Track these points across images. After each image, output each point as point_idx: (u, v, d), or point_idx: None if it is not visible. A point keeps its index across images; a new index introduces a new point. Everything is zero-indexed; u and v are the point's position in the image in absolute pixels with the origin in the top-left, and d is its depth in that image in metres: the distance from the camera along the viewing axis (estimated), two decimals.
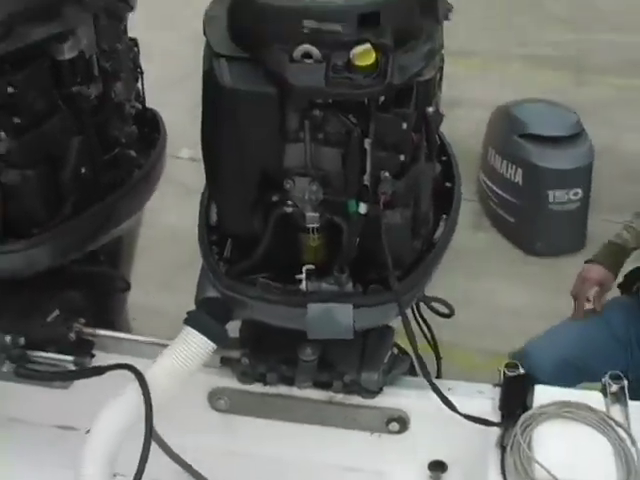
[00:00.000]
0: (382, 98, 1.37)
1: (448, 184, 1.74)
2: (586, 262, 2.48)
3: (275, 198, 1.46)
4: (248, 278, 1.52)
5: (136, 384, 1.47)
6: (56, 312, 1.71)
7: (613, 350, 2.36)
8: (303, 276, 1.47)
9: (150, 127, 2.03)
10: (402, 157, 1.41)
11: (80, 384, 1.77)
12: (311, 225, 1.46)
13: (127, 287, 1.94)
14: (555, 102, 4.10)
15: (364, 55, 1.31)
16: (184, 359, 1.49)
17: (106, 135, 1.82)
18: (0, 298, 1.74)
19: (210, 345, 1.50)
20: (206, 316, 1.50)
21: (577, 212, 3.92)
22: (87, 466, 1.46)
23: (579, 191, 3.86)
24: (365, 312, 1.48)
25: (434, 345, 1.78)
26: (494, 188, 4.08)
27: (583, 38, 5.64)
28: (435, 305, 1.74)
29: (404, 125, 1.38)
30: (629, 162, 4.40)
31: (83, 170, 1.73)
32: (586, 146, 3.86)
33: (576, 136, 3.86)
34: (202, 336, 1.48)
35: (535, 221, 3.97)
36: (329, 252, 1.49)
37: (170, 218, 3.64)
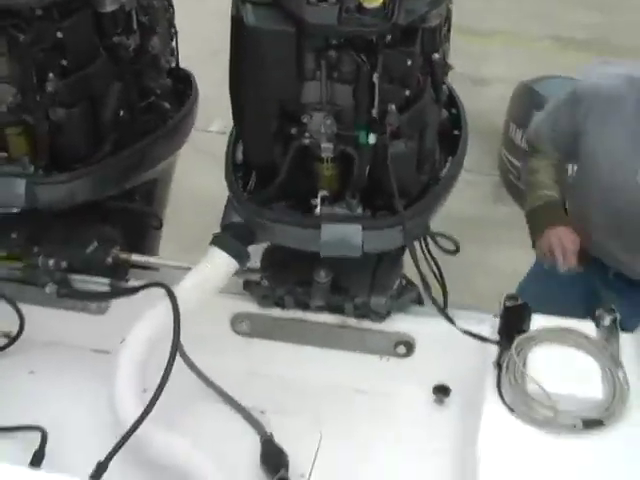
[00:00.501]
0: (389, 37, 1.52)
1: (456, 132, 1.88)
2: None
3: (294, 131, 1.61)
4: (269, 205, 1.67)
5: (166, 300, 1.62)
6: (94, 243, 1.87)
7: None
8: (318, 201, 1.62)
9: (183, 84, 2.19)
10: (407, 92, 1.56)
11: (114, 310, 1.93)
12: (326, 155, 1.61)
13: (160, 225, 2.09)
14: (575, 78, 4.18)
15: None
16: (210, 276, 1.64)
17: (142, 84, 1.98)
18: (43, 227, 1.90)
19: (234, 264, 1.65)
20: (230, 238, 1.65)
21: None
22: (120, 373, 1.61)
23: None
24: (373, 234, 1.63)
25: (441, 278, 1.90)
26: (515, 162, 4.18)
27: (609, 20, 5.72)
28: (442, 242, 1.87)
29: (409, 62, 1.53)
30: None
31: (122, 112, 1.88)
32: None
33: None
34: (227, 255, 1.63)
35: None
36: (342, 180, 1.64)
37: (198, 184, 3.80)
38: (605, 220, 2.20)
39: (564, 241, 2.20)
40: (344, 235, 1.60)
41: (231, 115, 1.73)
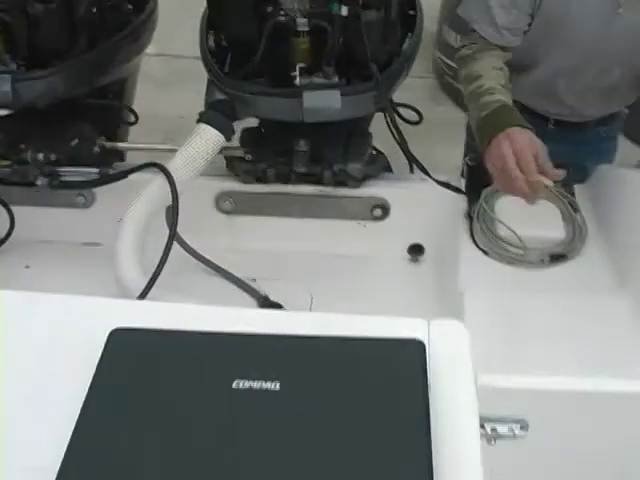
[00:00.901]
0: None
1: (412, 12, 2.01)
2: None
3: (269, 9, 1.72)
4: (250, 80, 1.79)
5: (161, 176, 1.72)
6: (80, 135, 1.95)
7: None
8: (297, 73, 1.74)
9: None
10: None
11: (100, 203, 2.02)
12: (301, 29, 1.72)
13: (136, 119, 2.18)
14: None
15: None
16: (200, 150, 1.74)
17: None
18: (27, 127, 1.98)
19: (221, 138, 1.76)
20: (216, 113, 1.76)
21: None
22: (122, 248, 1.71)
23: None
24: (350, 99, 1.75)
25: (405, 147, 2.04)
26: (450, 63, 4.35)
27: None
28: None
29: None
30: None
31: (94, 10, 1.95)
32: None
33: None
34: (214, 130, 1.74)
35: None
36: (317, 53, 1.75)
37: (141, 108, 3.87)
38: (562, 59, 2.02)
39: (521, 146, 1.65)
40: (324, 100, 1.73)
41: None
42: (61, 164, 1.95)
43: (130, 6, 2.17)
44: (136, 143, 2.08)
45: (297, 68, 1.74)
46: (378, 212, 1.96)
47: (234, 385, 0.77)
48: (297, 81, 1.75)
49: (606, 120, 2.31)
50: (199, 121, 1.77)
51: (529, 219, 1.82)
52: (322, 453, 0.75)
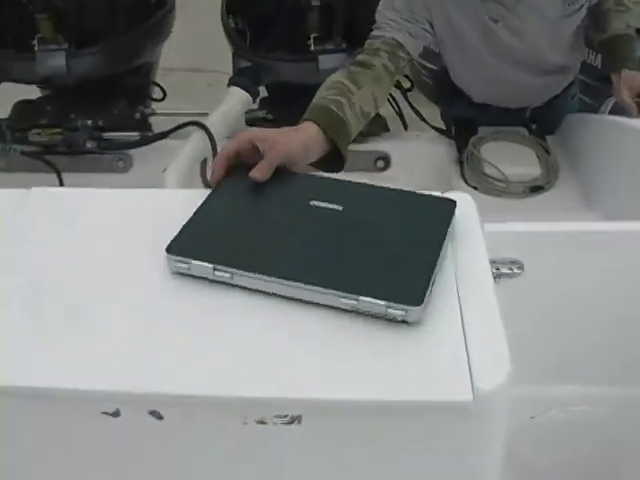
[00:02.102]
0: None
1: None
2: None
3: None
4: (271, 50, 2.12)
5: (199, 132, 2.02)
6: (118, 107, 2.26)
7: None
8: (311, 42, 2.07)
9: None
10: None
11: (137, 167, 2.31)
12: (314, 4, 2.05)
13: (164, 96, 2.49)
14: None
15: None
16: (232, 108, 2.06)
17: None
18: (73, 100, 2.28)
19: (249, 98, 2.08)
20: (244, 78, 2.09)
21: None
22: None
23: None
24: None
25: (399, 112, 2.38)
26: (425, 63, 4.68)
27: None
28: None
29: None
30: None
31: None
32: None
33: None
34: (243, 91, 2.07)
35: None
36: (328, 24, 2.09)
37: None
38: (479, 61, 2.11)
39: None
40: (336, 62, 2.05)
41: None
42: (106, 130, 2.24)
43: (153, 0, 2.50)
44: (172, 109, 2.38)
45: (311, 37, 2.07)
46: (381, 163, 2.29)
47: (311, 204, 1.06)
48: (312, 48, 2.08)
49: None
50: (229, 85, 2.09)
51: (510, 159, 2.15)
52: (358, 251, 1.02)
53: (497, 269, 1.33)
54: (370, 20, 2.05)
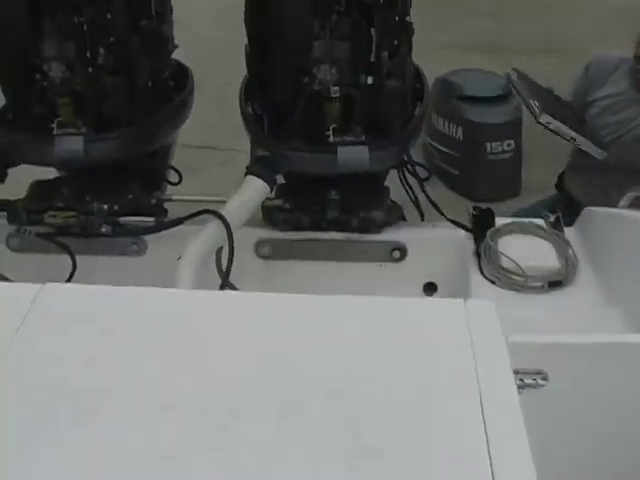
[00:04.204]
0: (381, 1, 2.00)
1: (419, 85, 2.37)
2: None
3: (306, 80, 2.06)
4: (289, 140, 2.12)
5: (215, 221, 2.01)
6: (138, 188, 2.26)
7: None
8: (330, 132, 2.07)
9: (179, 69, 2.61)
10: (395, 42, 2.03)
11: (151, 251, 2.30)
12: (334, 96, 2.06)
13: (180, 180, 2.49)
14: (484, 70, 4.79)
15: None
16: (249, 199, 2.06)
17: (158, 62, 2.39)
18: (89, 182, 2.29)
19: (266, 188, 2.07)
20: (262, 167, 2.08)
21: (512, 160, 4.59)
22: (182, 280, 1.97)
23: (512, 142, 4.53)
24: (376, 154, 2.09)
25: (416, 200, 2.37)
26: (438, 146, 4.73)
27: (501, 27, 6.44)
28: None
29: (397, 18, 2.00)
30: None
31: (149, 84, 2.29)
32: (514, 103, 4.51)
33: (505, 95, 4.53)
34: (260, 181, 2.06)
35: (476, 171, 4.63)
36: (348, 115, 2.09)
37: None
38: None
39: None
40: (355, 155, 2.05)
41: None
42: (121, 214, 2.24)
43: (172, 83, 2.51)
44: (191, 195, 2.37)
45: (330, 128, 2.07)
46: (397, 254, 2.27)
47: None
48: (331, 139, 2.07)
49: None
50: (247, 174, 2.09)
51: (528, 253, 2.13)
52: None
53: (521, 380, 1.29)
54: (391, 111, 2.06)
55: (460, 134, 4.57)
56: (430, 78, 4.97)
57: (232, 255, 1.93)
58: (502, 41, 6.32)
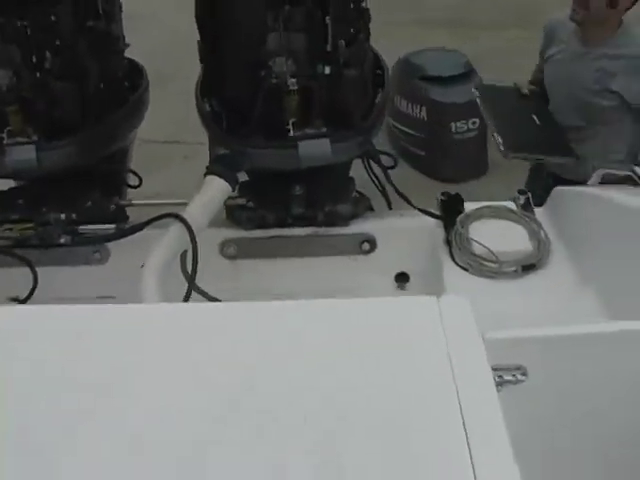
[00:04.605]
0: None
1: (379, 72, 2.31)
2: None
3: (263, 73, 2.00)
4: (248, 136, 2.05)
5: (177, 224, 1.95)
6: (96, 195, 2.19)
7: None
8: (290, 127, 2.00)
9: (132, 68, 2.52)
10: (352, 30, 1.97)
11: (114, 258, 2.23)
12: (292, 88, 1.99)
13: (140, 183, 2.42)
14: (446, 49, 4.74)
15: None
16: (211, 199, 1.99)
17: (108, 64, 2.31)
18: (45, 192, 2.20)
19: (228, 187, 2.00)
20: (222, 166, 2.01)
21: (477, 139, 4.55)
22: (146, 292, 1.91)
23: (477, 120, 4.48)
24: (338, 146, 2.03)
25: (383, 190, 2.31)
26: (403, 128, 4.68)
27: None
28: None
29: (351, 5, 1.94)
30: None
31: (101, 86, 2.21)
32: (477, 81, 4.48)
33: (467, 74, 4.50)
34: (222, 180, 1.99)
35: (442, 151, 4.58)
36: (307, 108, 2.02)
37: None
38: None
39: None
40: (317, 148, 1.99)
41: None
42: (80, 223, 2.16)
43: (126, 84, 2.43)
44: (149, 199, 2.31)
45: (290, 122, 2.01)
46: (366, 246, 2.21)
47: None
48: (291, 133, 2.01)
49: None
50: (207, 174, 2.02)
51: (499, 237, 2.08)
52: None
53: (500, 377, 1.24)
54: (351, 101, 2.00)
55: (424, 114, 4.53)
56: (394, 59, 5.03)
57: (196, 258, 1.88)
58: (468, 16, 6.26)
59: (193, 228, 1.93)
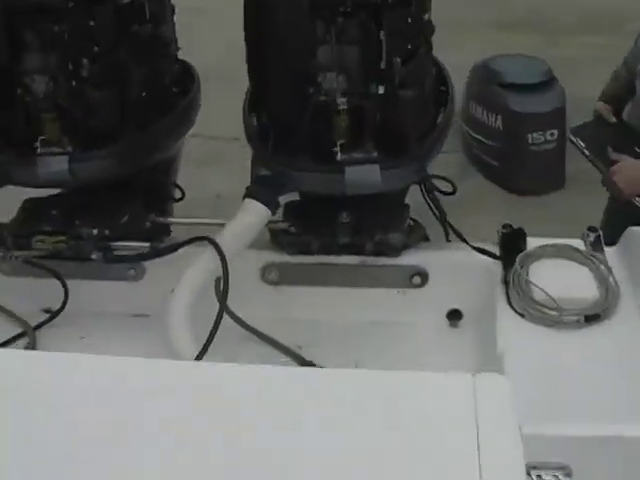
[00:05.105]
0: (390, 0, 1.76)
1: (443, 88, 2.13)
2: None
3: (311, 90, 1.84)
4: (293, 157, 1.90)
5: (210, 249, 1.82)
6: (132, 211, 2.07)
7: None
8: (338, 149, 1.85)
9: (184, 72, 2.40)
10: (409, 46, 1.80)
11: (150, 276, 2.12)
12: (341, 108, 1.83)
13: (183, 195, 2.29)
14: (526, 55, 4.50)
15: None
16: (248, 224, 1.85)
17: (156, 69, 2.18)
18: (80, 203, 2.10)
19: (267, 212, 1.86)
20: (262, 188, 1.87)
21: (555, 151, 4.29)
22: (175, 318, 1.80)
23: (555, 132, 4.23)
24: (389, 173, 1.86)
25: (442, 217, 2.13)
26: (477, 136, 4.45)
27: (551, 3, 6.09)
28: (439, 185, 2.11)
29: (409, 19, 1.77)
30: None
31: (144, 94, 2.08)
32: (558, 91, 4.24)
33: (548, 82, 4.25)
34: (260, 204, 1.85)
35: (517, 162, 4.35)
36: (357, 129, 1.86)
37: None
38: None
39: None
40: (365, 175, 1.83)
41: None
42: (114, 239, 2.05)
43: (175, 89, 2.30)
44: (187, 218, 2.18)
45: (338, 144, 1.85)
46: (417, 280, 2.04)
47: None
48: (338, 157, 1.85)
49: None
50: (245, 196, 1.88)
51: (562, 281, 1.89)
52: None
53: (539, 477, 1.07)
54: (406, 124, 1.84)
55: (500, 123, 4.29)
56: (468, 61, 4.81)
57: (227, 288, 1.78)
58: (547, 19, 6.00)
59: (226, 254, 1.80)
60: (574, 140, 2.57)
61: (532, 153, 4.28)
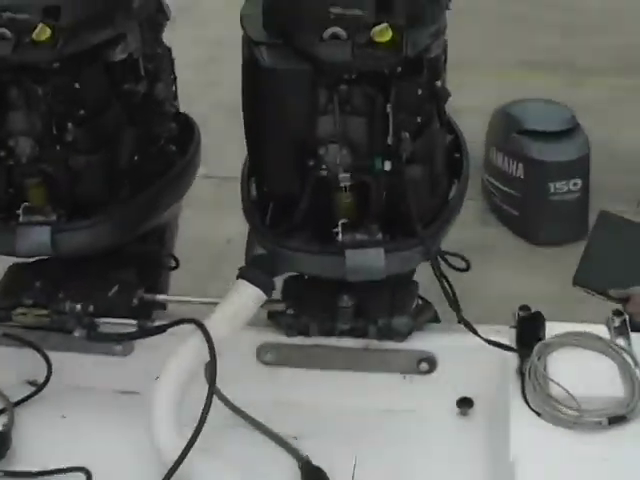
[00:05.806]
0: (399, 69, 1.61)
1: (457, 155, 1.98)
2: None
3: (311, 163, 1.69)
4: (290, 235, 1.75)
5: (198, 333, 1.68)
6: (116, 287, 1.93)
7: None
8: (339, 229, 1.69)
9: (184, 128, 2.26)
10: (419, 119, 1.65)
11: (139, 351, 1.98)
12: (343, 184, 1.69)
13: (177, 265, 2.15)
14: (549, 100, 4.36)
15: (382, 33, 1.56)
16: (239, 308, 1.70)
17: (151, 129, 2.05)
18: (66, 275, 1.96)
19: (261, 295, 1.71)
20: (256, 270, 1.72)
21: (578, 202, 4.15)
22: (159, 410, 1.66)
23: (579, 181, 4.10)
24: (394, 256, 1.71)
25: (454, 295, 1.97)
26: (497, 184, 4.33)
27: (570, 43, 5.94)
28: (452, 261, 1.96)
29: (419, 91, 1.62)
30: (624, 155, 4.64)
31: (135, 158, 1.95)
32: (582, 138, 4.11)
33: (572, 130, 4.12)
34: (254, 287, 1.70)
35: (538, 212, 4.20)
36: (360, 208, 1.72)
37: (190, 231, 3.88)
38: None
39: None
40: (367, 259, 1.68)
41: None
42: (99, 315, 1.91)
43: (173, 147, 2.17)
44: (176, 295, 2.05)
45: (339, 224, 1.70)
46: (424, 366, 1.89)
47: None
48: (339, 237, 1.70)
49: None
50: (239, 277, 1.73)
51: (584, 375, 1.73)
52: None
53: None
54: (413, 204, 1.69)
55: (521, 172, 4.17)
56: (490, 104, 4.66)
57: (214, 375, 1.64)
58: (571, 59, 5.84)
59: (215, 338, 1.66)
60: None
61: (553, 203, 4.15)
